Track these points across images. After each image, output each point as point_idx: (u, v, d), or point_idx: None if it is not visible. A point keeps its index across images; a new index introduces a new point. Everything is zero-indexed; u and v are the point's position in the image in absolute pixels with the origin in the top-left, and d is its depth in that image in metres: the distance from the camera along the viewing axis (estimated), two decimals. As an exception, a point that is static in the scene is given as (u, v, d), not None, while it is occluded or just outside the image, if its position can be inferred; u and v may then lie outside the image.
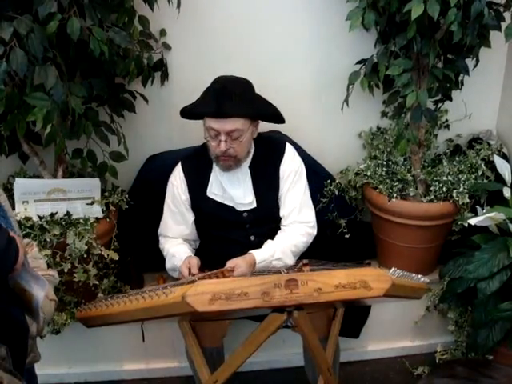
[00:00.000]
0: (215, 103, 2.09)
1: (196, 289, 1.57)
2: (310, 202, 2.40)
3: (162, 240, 2.41)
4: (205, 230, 2.39)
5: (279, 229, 2.36)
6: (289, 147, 2.35)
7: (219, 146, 2.14)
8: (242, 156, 2.23)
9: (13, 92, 2.05)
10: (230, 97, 2.10)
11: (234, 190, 2.29)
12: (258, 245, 2.27)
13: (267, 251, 2.23)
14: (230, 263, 2.09)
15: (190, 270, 2.11)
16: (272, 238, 2.30)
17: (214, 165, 2.28)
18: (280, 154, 2.32)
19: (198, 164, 2.33)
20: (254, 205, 2.30)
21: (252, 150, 2.30)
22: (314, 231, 2.37)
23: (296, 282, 1.63)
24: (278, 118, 2.26)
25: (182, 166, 2.34)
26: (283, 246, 2.26)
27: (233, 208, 2.30)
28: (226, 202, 2.30)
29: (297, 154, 2.37)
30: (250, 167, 2.29)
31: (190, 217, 2.36)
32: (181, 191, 2.32)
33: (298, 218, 2.33)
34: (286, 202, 2.32)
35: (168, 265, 2.33)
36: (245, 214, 2.31)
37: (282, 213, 2.34)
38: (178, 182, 2.33)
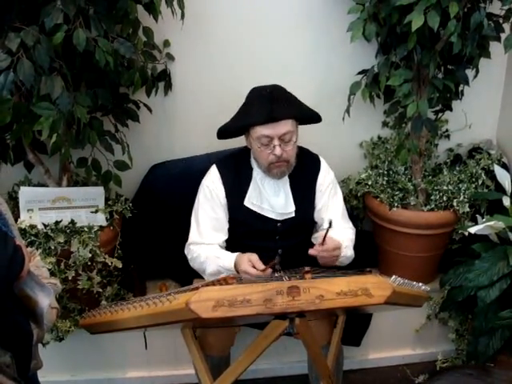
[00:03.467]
0: (265, 109, 2.08)
1: (200, 295, 1.59)
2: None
3: (193, 248, 2.26)
4: (231, 238, 2.30)
5: (306, 244, 2.27)
6: (323, 160, 2.35)
7: (274, 151, 2.10)
8: (293, 160, 2.20)
9: (19, 102, 2.08)
10: (277, 101, 2.09)
11: (276, 198, 2.25)
12: (285, 258, 2.18)
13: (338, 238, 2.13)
14: (330, 242, 2.02)
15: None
16: (299, 252, 2.16)
17: (254, 174, 2.25)
18: (317, 166, 2.32)
19: (236, 171, 2.27)
20: (293, 214, 2.27)
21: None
22: (353, 236, 2.35)
23: (298, 289, 1.64)
24: (317, 117, 2.24)
25: (219, 170, 2.26)
26: (344, 237, 2.20)
27: (268, 218, 2.26)
28: (262, 213, 2.25)
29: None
30: (290, 176, 2.26)
31: (227, 223, 2.28)
32: (220, 195, 2.25)
33: (343, 224, 2.32)
34: (329, 211, 2.30)
35: (210, 269, 2.18)
36: (279, 224, 2.26)
37: (326, 224, 2.24)
38: (216, 186, 2.25)
